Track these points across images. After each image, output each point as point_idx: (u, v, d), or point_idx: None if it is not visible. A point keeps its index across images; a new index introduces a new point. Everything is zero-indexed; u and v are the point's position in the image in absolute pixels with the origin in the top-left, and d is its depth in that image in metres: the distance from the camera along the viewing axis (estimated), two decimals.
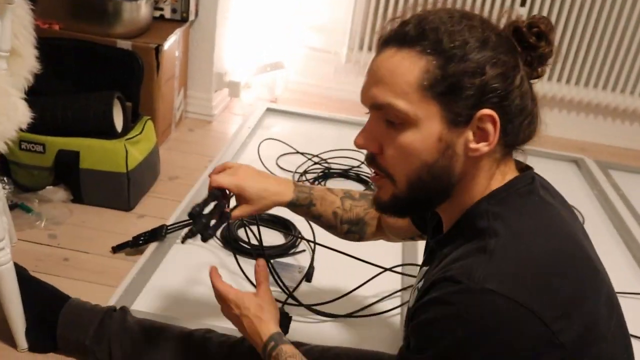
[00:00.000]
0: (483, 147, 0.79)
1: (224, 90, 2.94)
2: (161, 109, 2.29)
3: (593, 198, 2.15)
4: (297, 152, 2.15)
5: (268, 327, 1.02)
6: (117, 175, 1.82)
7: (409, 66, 0.77)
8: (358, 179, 2.03)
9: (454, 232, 0.84)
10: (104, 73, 2.06)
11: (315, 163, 2.09)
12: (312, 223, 1.31)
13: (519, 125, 0.81)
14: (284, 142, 2.19)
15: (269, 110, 2.51)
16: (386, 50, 0.80)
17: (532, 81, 0.83)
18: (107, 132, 1.83)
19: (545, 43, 0.82)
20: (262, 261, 1.11)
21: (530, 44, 0.81)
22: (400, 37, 0.79)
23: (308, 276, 1.51)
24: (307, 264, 1.55)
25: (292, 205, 1.15)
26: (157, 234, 1.62)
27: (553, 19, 2.99)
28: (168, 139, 2.44)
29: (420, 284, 0.91)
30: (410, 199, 0.83)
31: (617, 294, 0.82)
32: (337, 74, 3.27)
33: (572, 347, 0.71)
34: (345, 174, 2.05)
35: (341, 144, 2.19)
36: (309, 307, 1.37)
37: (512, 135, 0.81)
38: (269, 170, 2.01)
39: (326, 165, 2.08)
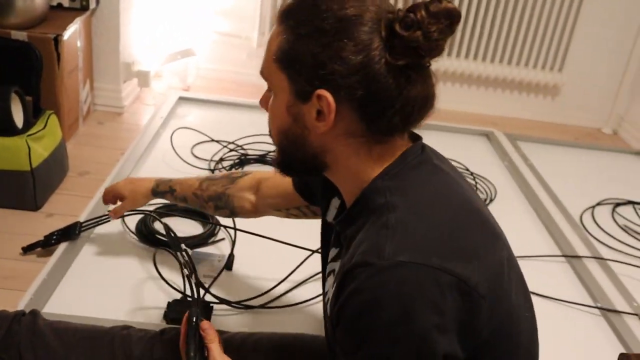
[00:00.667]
0: (322, 126, 0.81)
1: (133, 80, 2.85)
2: (65, 102, 2.19)
3: (504, 169, 2.23)
4: (212, 140, 2.11)
5: None
6: (20, 174, 1.73)
7: (274, 40, 0.83)
8: None
9: (354, 212, 0.85)
10: None
11: (231, 150, 2.06)
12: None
13: (379, 113, 0.79)
14: (198, 131, 2.14)
15: (181, 99, 2.44)
16: (275, 25, 0.85)
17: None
18: (6, 128, 1.73)
19: (415, 33, 0.75)
20: (205, 323, 0.97)
21: (393, 32, 0.76)
22: (281, 14, 0.84)
23: (228, 264, 1.48)
24: (228, 252, 1.53)
25: (156, 192, 1.39)
26: (71, 232, 1.55)
27: None
28: (76, 133, 2.34)
29: (334, 266, 0.91)
30: (282, 160, 0.89)
31: (529, 258, 0.86)
32: (249, 59, 3.23)
33: (489, 299, 0.75)
34: (261, 159, 2.02)
35: (256, 130, 2.16)
36: (222, 301, 1.35)
37: (374, 122, 0.80)
38: (184, 161, 1.96)
39: (242, 151, 2.05)
